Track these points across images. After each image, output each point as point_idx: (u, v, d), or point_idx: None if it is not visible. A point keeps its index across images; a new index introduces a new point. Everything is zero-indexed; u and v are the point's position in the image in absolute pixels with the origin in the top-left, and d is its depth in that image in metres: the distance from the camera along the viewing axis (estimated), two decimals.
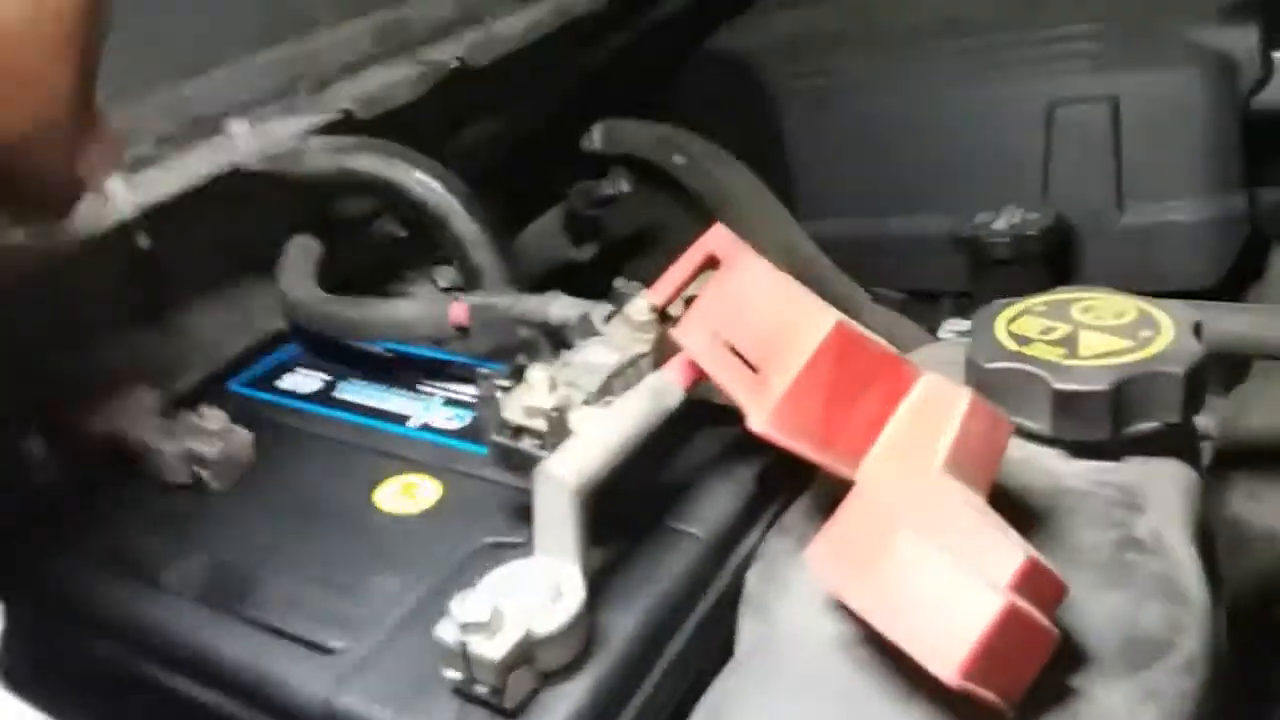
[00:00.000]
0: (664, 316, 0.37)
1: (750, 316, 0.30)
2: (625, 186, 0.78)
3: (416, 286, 0.64)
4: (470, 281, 0.51)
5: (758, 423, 0.28)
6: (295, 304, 0.48)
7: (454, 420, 0.43)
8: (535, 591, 0.29)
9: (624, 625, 0.31)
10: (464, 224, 0.49)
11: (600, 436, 0.31)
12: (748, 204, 0.81)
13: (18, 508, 0.40)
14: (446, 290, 0.64)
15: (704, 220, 0.88)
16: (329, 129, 0.53)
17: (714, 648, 0.34)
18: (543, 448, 0.33)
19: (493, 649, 0.27)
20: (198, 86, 0.50)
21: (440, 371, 0.47)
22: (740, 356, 0.30)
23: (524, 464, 0.33)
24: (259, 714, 0.32)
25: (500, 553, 0.35)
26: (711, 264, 0.35)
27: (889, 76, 0.80)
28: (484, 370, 0.34)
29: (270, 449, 0.43)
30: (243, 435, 0.42)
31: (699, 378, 0.34)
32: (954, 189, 0.75)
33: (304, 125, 0.52)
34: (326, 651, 0.32)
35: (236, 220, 0.51)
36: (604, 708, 0.30)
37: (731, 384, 0.30)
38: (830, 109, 0.82)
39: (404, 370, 0.47)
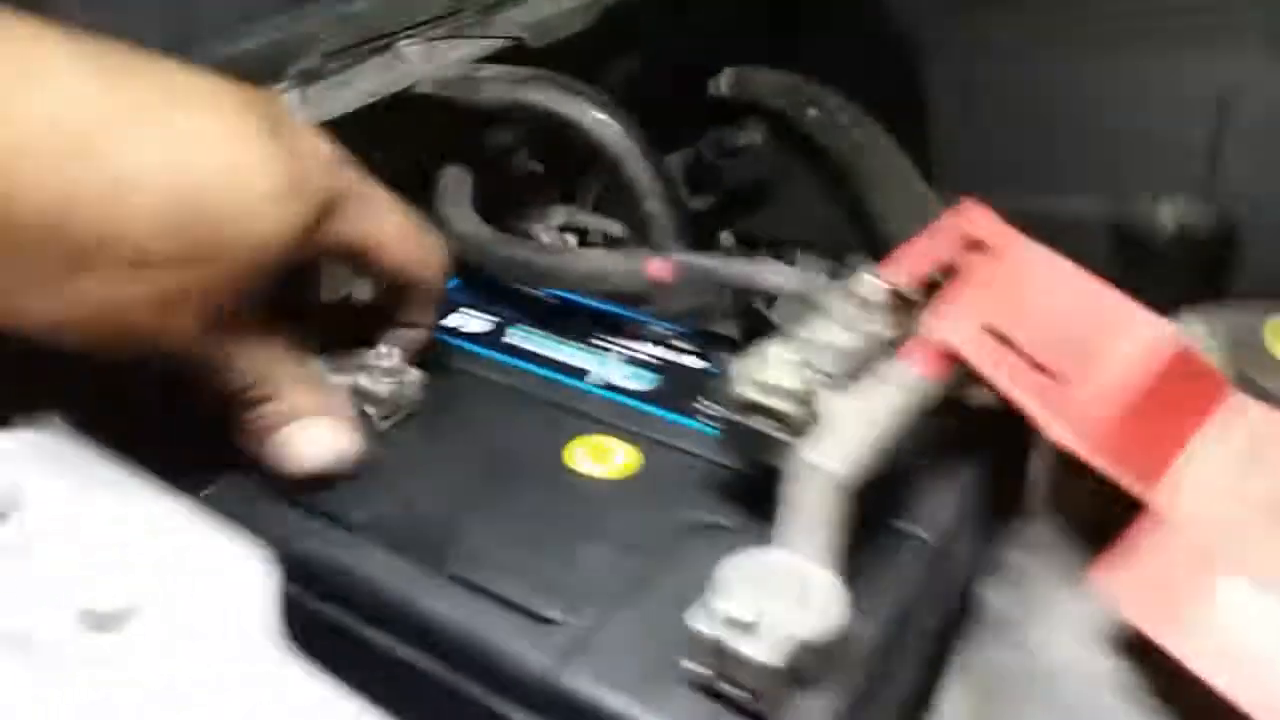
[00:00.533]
0: (899, 296, 0.35)
1: (1041, 314, 0.28)
2: (758, 138, 0.75)
3: (537, 224, 0.62)
4: (636, 229, 0.49)
5: (1062, 435, 0.26)
6: (465, 238, 0.45)
7: (635, 380, 0.41)
8: (794, 592, 0.27)
9: (869, 634, 0.30)
10: (640, 169, 0.47)
11: (864, 427, 0.29)
12: (884, 168, 0.77)
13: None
14: (562, 230, 0.62)
15: (827, 180, 0.85)
16: (497, 56, 0.50)
17: (933, 661, 0.33)
18: (782, 430, 0.31)
19: (758, 651, 0.26)
20: (368, 1, 0.47)
21: (613, 325, 0.45)
22: (1023, 355, 0.28)
23: (760, 446, 0.31)
24: (466, 678, 0.31)
25: (713, 535, 0.34)
26: (972, 248, 0.32)
27: (1046, 39, 0.76)
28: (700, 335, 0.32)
29: (445, 391, 0.41)
30: (414, 375, 0.40)
31: (949, 370, 0.32)
32: (1111, 169, 0.71)
33: (475, 50, 0.49)
34: (544, 621, 0.30)
35: (399, 144, 0.49)
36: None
37: (1017, 387, 0.27)
38: (979, 72, 0.77)
39: (572, 319, 0.45)
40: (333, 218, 0.34)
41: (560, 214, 0.61)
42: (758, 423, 0.31)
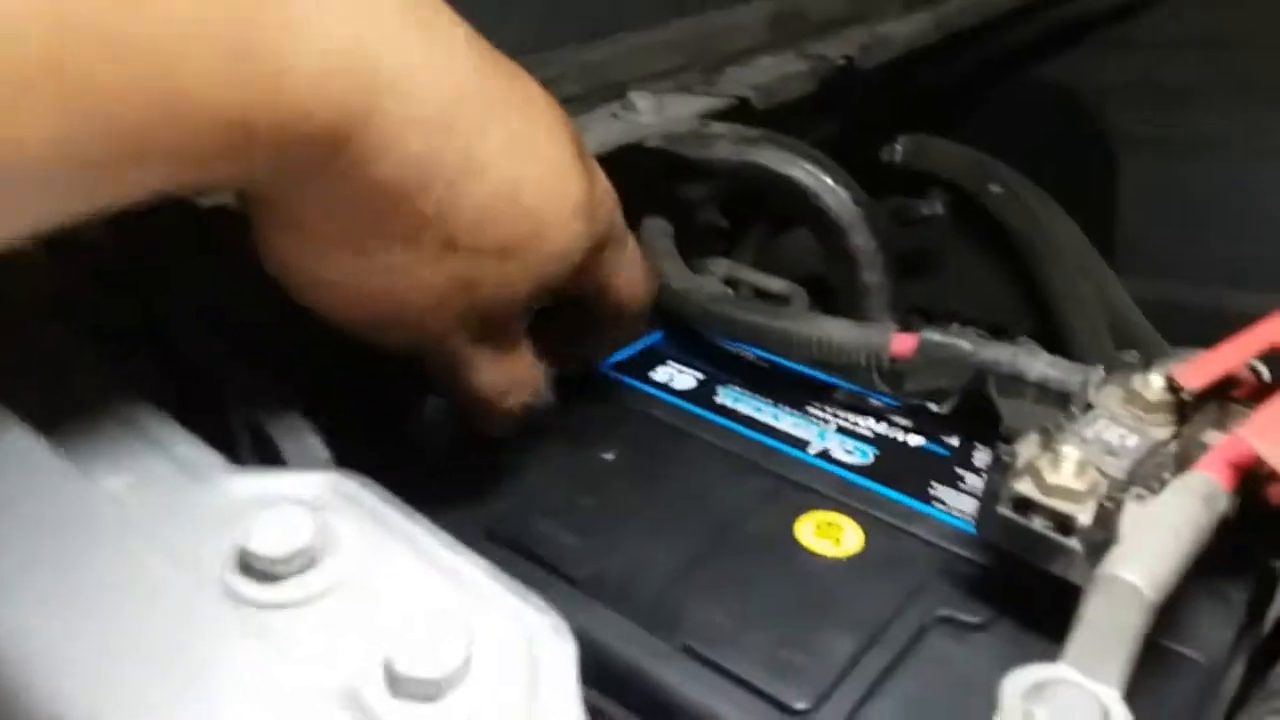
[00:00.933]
0: (1181, 400, 0.33)
1: None
2: (940, 209, 0.74)
3: (701, 275, 0.61)
4: (852, 300, 0.48)
5: None
6: (683, 294, 0.45)
7: (854, 454, 0.40)
8: (1083, 714, 0.25)
9: None
10: (864, 239, 0.46)
11: (1166, 542, 0.27)
12: (1066, 249, 0.75)
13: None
14: (724, 283, 0.61)
15: (995, 256, 0.83)
16: (723, 114, 0.50)
17: None
18: (1059, 532, 0.29)
19: None
20: (603, 51, 0.48)
21: (825, 393, 0.44)
22: None
23: (1033, 548, 0.29)
24: None
25: (957, 630, 0.32)
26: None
27: (1247, 133, 0.73)
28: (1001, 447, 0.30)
29: (660, 448, 0.40)
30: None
31: (1241, 481, 0.30)
32: None
33: (701, 107, 0.49)
34: (790, 712, 0.29)
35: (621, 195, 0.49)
36: None
37: None
38: (1174, 162, 0.75)
39: (784, 385, 0.44)
40: (603, 251, 0.34)
41: (723, 266, 0.61)
42: (1035, 523, 0.29)
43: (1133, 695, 0.29)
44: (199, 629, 0.21)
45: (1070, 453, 0.29)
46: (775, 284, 0.58)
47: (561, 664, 0.21)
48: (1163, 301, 0.74)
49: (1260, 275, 0.72)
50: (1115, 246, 0.77)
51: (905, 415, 0.42)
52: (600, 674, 0.31)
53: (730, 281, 0.61)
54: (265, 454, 0.31)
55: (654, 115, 0.47)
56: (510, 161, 0.28)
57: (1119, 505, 0.27)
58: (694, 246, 0.63)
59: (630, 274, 0.37)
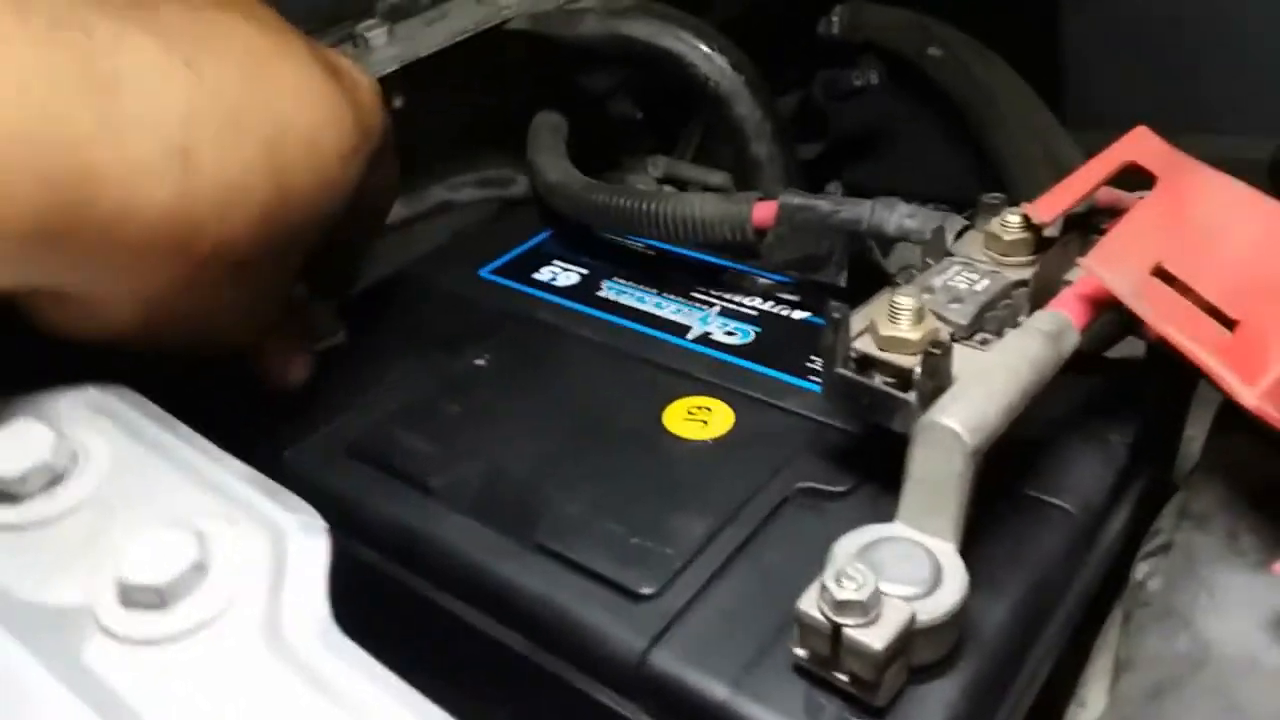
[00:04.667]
0: (1040, 237, 0.30)
1: (1224, 252, 0.24)
2: (875, 79, 0.70)
3: (634, 175, 0.59)
4: (743, 175, 0.46)
5: (1250, 397, 0.22)
6: (557, 187, 0.43)
7: (735, 334, 0.38)
8: (912, 570, 0.24)
9: (995, 614, 0.26)
10: (749, 109, 0.43)
11: (994, 386, 0.25)
12: (1013, 108, 0.71)
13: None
14: (661, 182, 0.58)
15: (948, 126, 0.79)
16: None
17: (1070, 643, 0.29)
18: (899, 388, 0.27)
19: (873, 637, 0.22)
20: None
21: (712, 277, 0.42)
22: (1200, 301, 0.24)
23: (875, 405, 0.27)
24: (548, 654, 0.28)
25: (817, 501, 0.30)
26: (1139, 176, 0.28)
27: None
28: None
29: (535, 348, 0.39)
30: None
31: (1095, 318, 0.28)
32: (1268, 104, 0.63)
33: None
34: (635, 597, 0.28)
35: (491, 84, 0.47)
36: (979, 709, 0.25)
37: (1192, 339, 0.23)
38: (1115, 3, 0.70)
39: (669, 271, 0.42)
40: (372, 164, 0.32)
41: (660, 165, 0.58)
42: (875, 379, 0.27)
43: (994, 547, 0.28)
44: None
45: (905, 302, 0.27)
46: (715, 177, 0.55)
47: (309, 562, 0.20)
48: None
49: (1224, 115, 0.68)
50: (1064, 99, 0.73)
51: (792, 290, 0.40)
52: (450, 579, 0.31)
53: (669, 179, 0.59)
54: None
55: None
56: (270, 169, 0.27)
57: (947, 351, 0.26)
58: (616, 142, 0.61)
59: (387, 167, 0.35)
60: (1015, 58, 0.74)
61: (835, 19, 0.77)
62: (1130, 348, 0.35)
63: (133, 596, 0.19)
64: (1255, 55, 0.65)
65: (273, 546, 0.20)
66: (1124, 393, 0.33)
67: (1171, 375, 0.34)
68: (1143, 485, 0.32)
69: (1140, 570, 0.27)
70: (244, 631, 0.19)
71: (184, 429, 0.23)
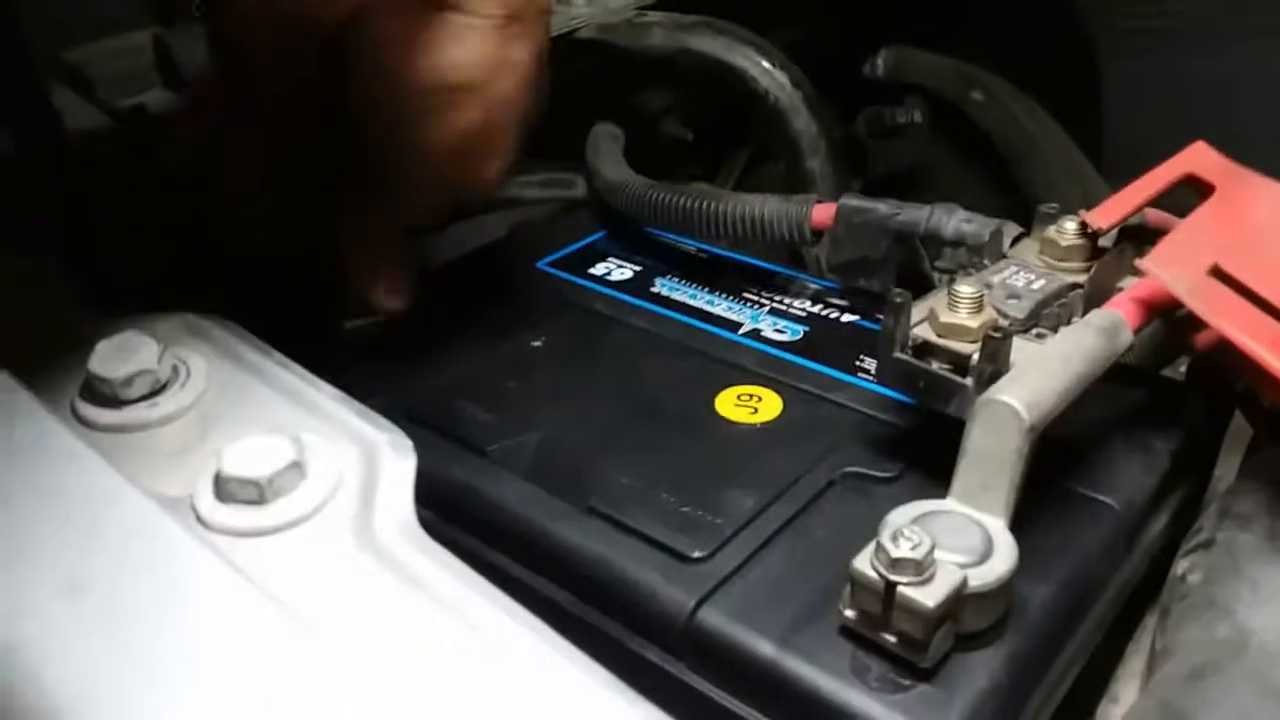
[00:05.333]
0: (1095, 245, 0.32)
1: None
2: (919, 117, 0.72)
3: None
4: (796, 191, 0.47)
5: None
6: (619, 186, 0.44)
7: (784, 332, 0.39)
8: (964, 541, 0.25)
9: (1039, 595, 0.27)
10: (804, 123, 0.45)
11: (1051, 369, 0.26)
12: (1052, 154, 0.73)
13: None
14: None
15: (987, 170, 0.81)
16: (661, 4, 0.49)
17: (1106, 640, 0.30)
18: (956, 373, 0.28)
19: (926, 595, 0.23)
20: None
21: (763, 280, 0.43)
22: (1257, 300, 0.25)
23: (932, 389, 0.28)
24: (599, 613, 0.29)
25: (865, 484, 0.31)
26: (1198, 188, 0.29)
27: (1240, 24, 0.70)
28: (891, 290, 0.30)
29: (592, 336, 0.40)
30: None
31: (1149, 320, 0.29)
32: None
33: None
34: (684, 559, 0.29)
35: (554, 89, 0.48)
36: (1019, 683, 0.25)
37: (1248, 334, 0.24)
38: (1161, 58, 0.72)
39: (721, 273, 0.44)
40: None
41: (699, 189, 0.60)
42: (934, 366, 0.28)
43: (1041, 534, 0.28)
44: (44, 451, 0.21)
45: (965, 290, 0.28)
46: None
47: (398, 476, 0.21)
48: (1155, 205, 0.71)
49: (1260, 167, 0.69)
50: (1104, 151, 0.74)
51: (841, 296, 0.41)
52: (504, 538, 0.31)
53: None
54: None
55: (589, 7, 0.46)
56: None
57: (1007, 336, 0.27)
58: (662, 164, 0.63)
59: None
60: (1056, 107, 0.75)
61: (880, 61, 0.79)
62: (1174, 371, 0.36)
63: (231, 491, 0.20)
64: None
65: (365, 457, 0.21)
66: (1168, 407, 0.34)
67: (1211, 394, 0.35)
68: (1181, 494, 0.32)
69: (1181, 566, 0.28)
70: (338, 529, 0.20)
71: (278, 355, 0.24)
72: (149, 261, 0.31)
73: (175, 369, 0.23)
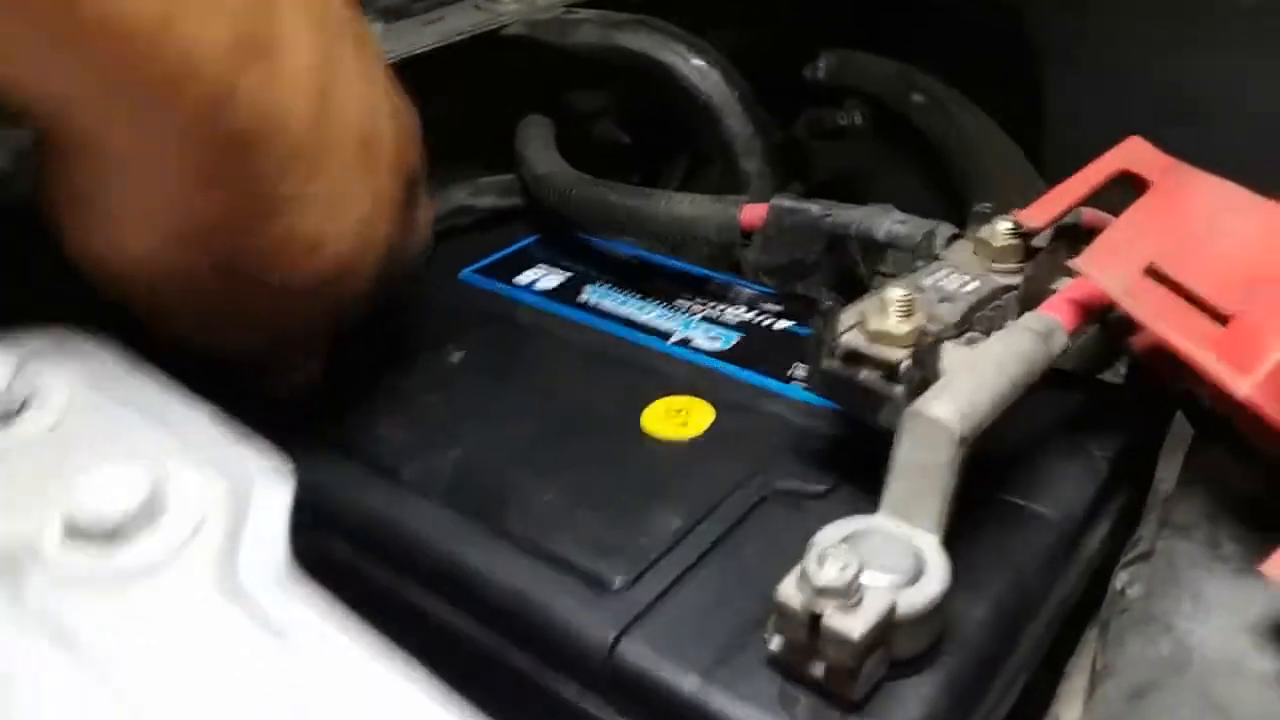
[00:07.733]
0: (1029, 245, 0.30)
1: (1219, 252, 0.24)
2: (859, 120, 0.71)
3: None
4: (731, 192, 0.45)
5: (1244, 387, 0.22)
6: (545, 179, 0.42)
7: (716, 340, 0.38)
8: (894, 560, 0.23)
9: (975, 613, 0.25)
10: (739, 123, 0.43)
11: (983, 377, 0.25)
12: (993, 156, 0.73)
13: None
14: None
15: (928, 171, 0.80)
16: (592, 3, 0.47)
17: (1046, 658, 0.28)
18: (887, 380, 0.27)
19: (852, 624, 0.22)
20: None
21: (694, 286, 0.41)
22: (1194, 299, 0.24)
23: (859, 399, 0.27)
24: (514, 646, 0.27)
25: (794, 501, 0.30)
26: (1132, 183, 0.28)
27: (1187, 43, 0.70)
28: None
29: (517, 349, 0.38)
30: None
31: (1085, 321, 0.28)
32: (1258, 168, 0.64)
33: None
34: (606, 588, 0.27)
35: (483, 87, 0.46)
36: (955, 710, 0.24)
37: (1184, 333, 0.23)
38: (1115, 74, 0.72)
39: (654, 279, 0.42)
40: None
41: None
42: (862, 374, 0.27)
43: (976, 549, 0.27)
44: None
45: (895, 294, 0.27)
46: None
47: (272, 507, 0.19)
48: (1099, 208, 0.71)
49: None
50: (1045, 153, 0.74)
51: (776, 301, 0.40)
52: (415, 568, 0.29)
53: None
54: None
55: (517, 4, 0.45)
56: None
57: (937, 342, 0.25)
58: (597, 170, 0.61)
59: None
60: (997, 110, 0.75)
61: (821, 65, 0.78)
62: (1114, 375, 0.35)
63: (81, 531, 0.18)
64: (1244, 117, 0.66)
65: (234, 490, 0.19)
66: (1106, 412, 0.33)
67: (1151, 397, 0.34)
68: (1121, 502, 0.31)
69: (1120, 579, 0.27)
70: (197, 573, 0.18)
71: (156, 372, 0.22)
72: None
73: (33, 390, 0.21)
